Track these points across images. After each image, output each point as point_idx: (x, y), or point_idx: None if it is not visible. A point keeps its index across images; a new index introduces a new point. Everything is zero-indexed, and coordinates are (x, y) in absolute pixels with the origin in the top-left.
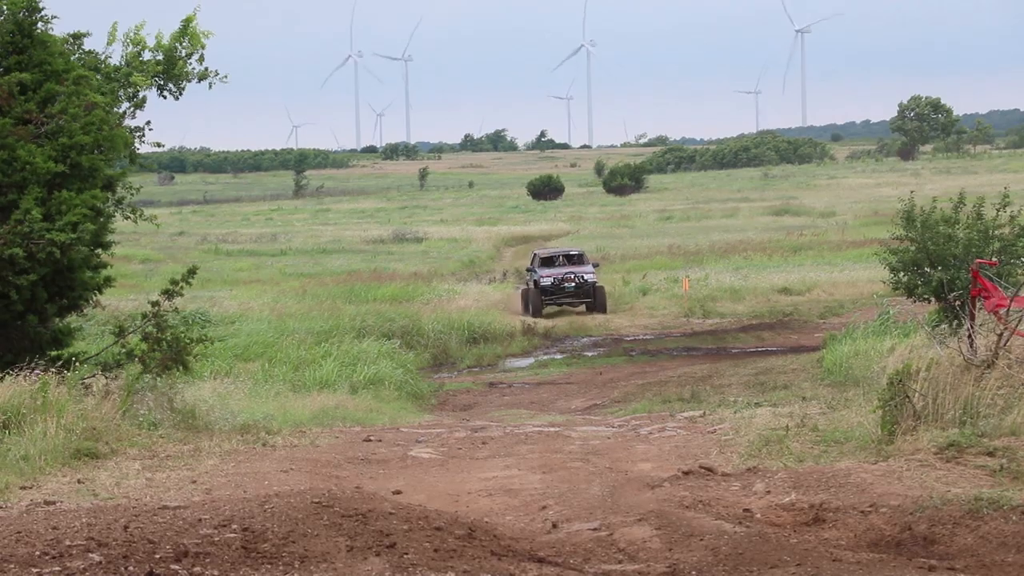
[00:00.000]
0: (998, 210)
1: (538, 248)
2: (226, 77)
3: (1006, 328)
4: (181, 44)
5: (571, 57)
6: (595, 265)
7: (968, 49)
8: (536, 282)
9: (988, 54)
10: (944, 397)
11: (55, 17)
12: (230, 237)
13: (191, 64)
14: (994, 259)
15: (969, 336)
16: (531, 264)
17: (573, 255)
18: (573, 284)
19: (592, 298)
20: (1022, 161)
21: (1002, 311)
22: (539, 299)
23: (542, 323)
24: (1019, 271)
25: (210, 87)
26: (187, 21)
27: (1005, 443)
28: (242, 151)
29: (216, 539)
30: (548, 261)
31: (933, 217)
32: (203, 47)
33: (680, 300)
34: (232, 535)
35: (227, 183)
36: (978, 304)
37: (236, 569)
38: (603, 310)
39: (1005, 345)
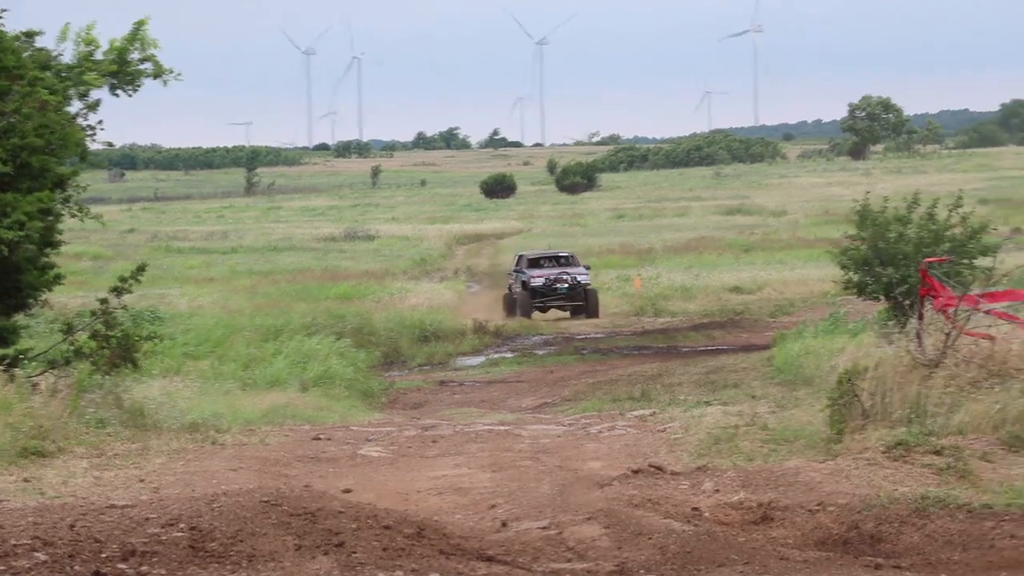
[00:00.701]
0: (950, 211)
1: (527, 251)
2: (180, 75)
3: (954, 327)
4: (132, 47)
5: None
6: (587, 267)
7: (919, 49)
8: (525, 283)
9: (938, 54)
10: (892, 396)
11: (5, 10)
12: (181, 235)
13: (144, 67)
14: (944, 257)
15: (918, 335)
16: (516, 266)
17: (563, 257)
18: (566, 285)
19: (584, 301)
20: (972, 161)
21: (950, 310)
22: (528, 301)
23: (494, 321)
24: (968, 271)
25: (165, 84)
26: (139, 25)
27: (952, 442)
28: (193, 148)
29: (164, 538)
30: (536, 262)
31: (885, 216)
32: (153, 57)
33: (631, 299)
34: (180, 534)
35: (178, 180)
36: (926, 303)
37: (183, 568)
38: (595, 314)
39: (953, 344)
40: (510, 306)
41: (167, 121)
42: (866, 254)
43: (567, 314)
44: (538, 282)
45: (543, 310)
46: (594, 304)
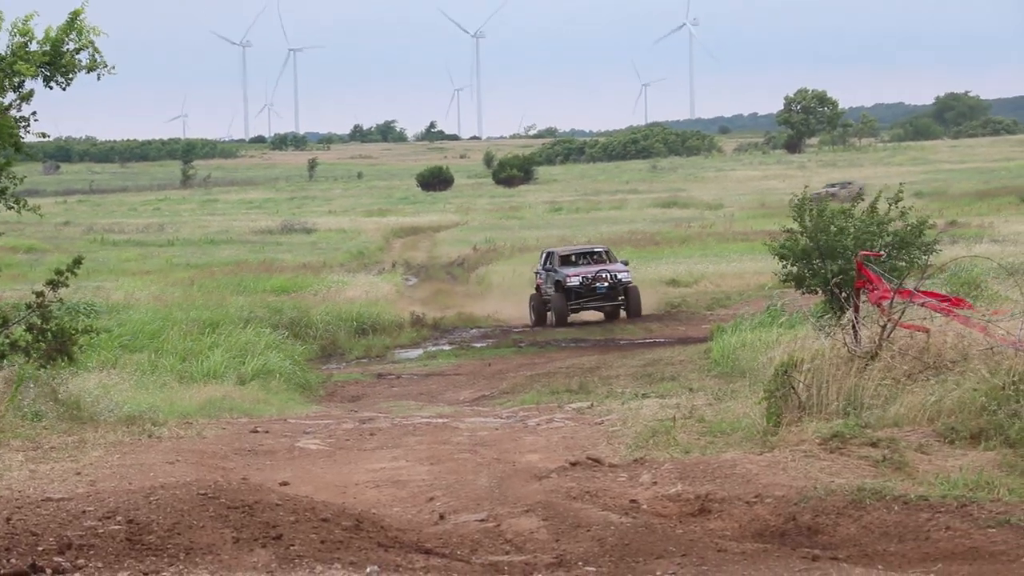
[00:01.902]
0: (891, 204)
1: (556, 247)
2: (114, 68)
3: (889, 320)
4: (68, 37)
5: (460, 42)
6: (626, 263)
7: (854, 43)
8: (559, 283)
9: (873, 48)
10: (829, 388)
11: None
12: (117, 227)
13: (80, 58)
14: (881, 252)
15: (854, 328)
16: (546, 263)
17: (597, 252)
18: (606, 285)
19: (626, 300)
20: (907, 154)
21: (885, 303)
22: (564, 304)
23: (431, 314)
24: (908, 265)
25: (99, 78)
26: (75, 15)
27: (888, 434)
28: (129, 140)
29: (100, 531)
30: (569, 260)
31: (828, 209)
32: (92, 44)
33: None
34: (117, 527)
35: (114, 173)
36: (863, 296)
37: (120, 561)
38: (638, 313)
39: (888, 337)
40: (540, 310)
41: (102, 114)
42: (805, 247)
43: (600, 316)
44: (575, 282)
45: (577, 312)
46: (636, 303)
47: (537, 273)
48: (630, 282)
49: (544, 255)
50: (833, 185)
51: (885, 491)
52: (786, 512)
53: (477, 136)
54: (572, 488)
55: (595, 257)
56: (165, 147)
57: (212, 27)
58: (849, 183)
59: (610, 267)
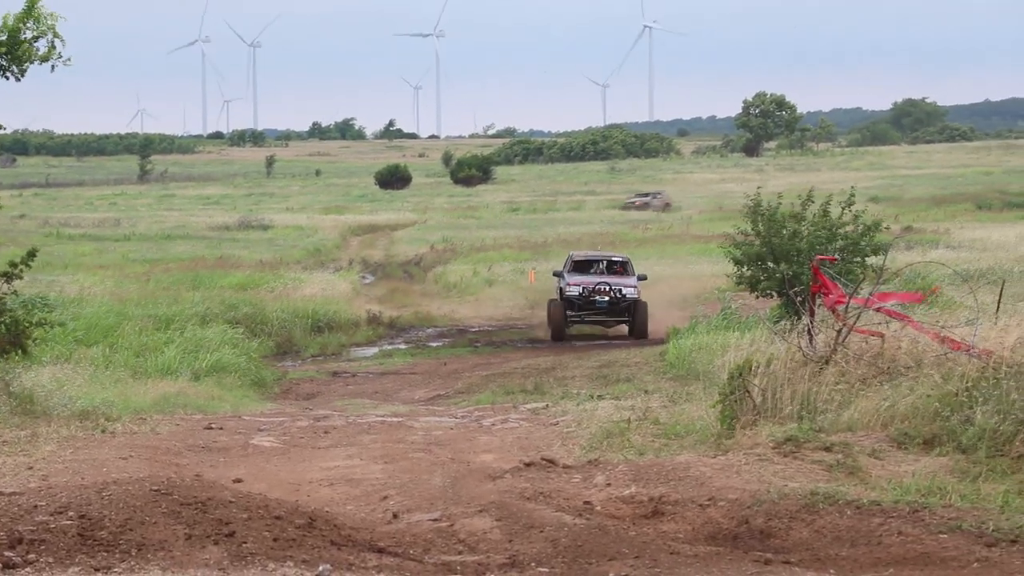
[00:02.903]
0: (843, 208)
1: (579, 250)
2: (69, 60)
3: (844, 324)
4: (26, 24)
5: (420, 41)
6: (642, 277)
7: (812, 48)
8: (561, 291)
9: (832, 53)
10: (783, 392)
11: None
12: (72, 221)
13: (38, 46)
14: (835, 256)
15: (808, 332)
16: (563, 267)
17: (616, 262)
18: (606, 299)
19: (631, 318)
20: (864, 159)
21: (840, 308)
22: (561, 315)
23: (388, 313)
24: (859, 269)
25: (52, 69)
26: (32, 1)
27: (842, 438)
28: (86, 134)
29: (52, 526)
30: (583, 266)
31: (779, 213)
32: (52, 30)
33: (526, 291)
34: (68, 522)
35: (70, 167)
36: (818, 300)
37: (72, 556)
38: (643, 334)
39: (843, 341)
40: (550, 322)
41: (60, 107)
42: (759, 250)
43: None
44: (573, 291)
45: (583, 323)
46: (642, 322)
47: (558, 275)
48: (637, 299)
49: (566, 259)
50: (645, 194)
51: (838, 496)
52: (739, 515)
53: (436, 135)
54: (526, 489)
55: (613, 267)
56: (122, 142)
57: (171, 21)
58: (659, 193)
59: (616, 280)
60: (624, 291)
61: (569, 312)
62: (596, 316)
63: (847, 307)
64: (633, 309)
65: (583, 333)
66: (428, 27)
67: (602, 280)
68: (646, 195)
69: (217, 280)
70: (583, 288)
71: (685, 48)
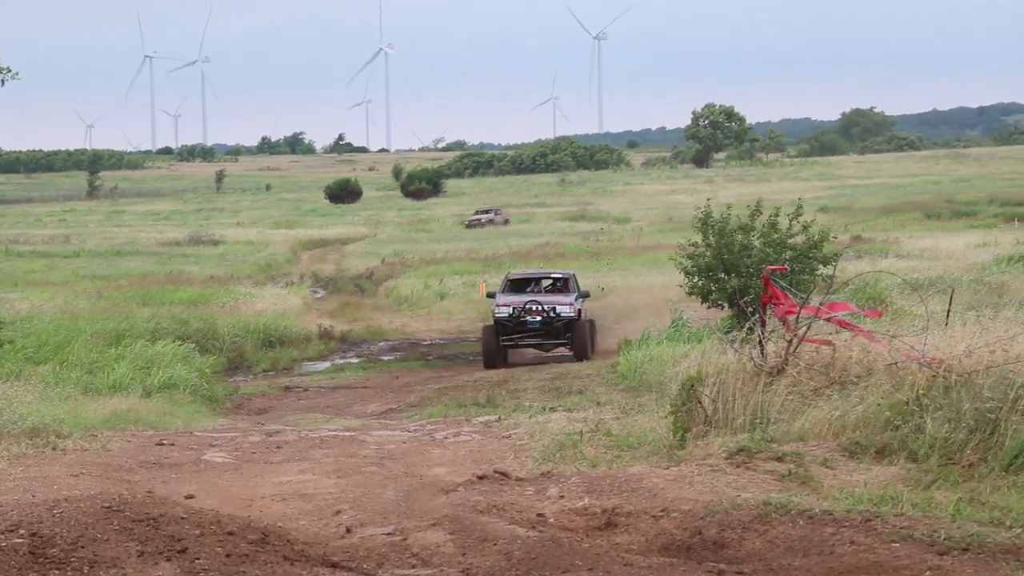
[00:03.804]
0: (791, 220)
1: (515, 269)
2: (17, 74)
3: (795, 335)
4: None
5: (369, 63)
6: (583, 295)
7: (761, 58)
8: (493, 313)
9: (780, 64)
10: (735, 403)
11: None
12: (21, 238)
13: None
14: (785, 266)
15: (760, 343)
16: (499, 288)
17: (557, 279)
18: (538, 319)
19: (568, 340)
20: (813, 169)
21: (791, 318)
22: (493, 340)
23: (340, 327)
24: (810, 279)
25: (2, 83)
26: None
27: (793, 448)
28: (34, 151)
29: (3, 544)
30: (518, 285)
31: (729, 226)
32: None
33: (477, 304)
34: (19, 540)
35: (19, 183)
36: (769, 311)
37: (23, 574)
38: (584, 355)
39: (794, 352)
40: (484, 348)
41: (6, 123)
42: (710, 262)
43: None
44: (503, 313)
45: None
46: (582, 342)
47: (491, 297)
48: (573, 317)
49: (504, 277)
50: (486, 211)
51: (790, 505)
52: (692, 526)
53: (386, 149)
54: (479, 502)
55: (551, 285)
56: (71, 158)
57: (120, 37)
58: (499, 210)
59: (548, 298)
60: (558, 309)
61: (502, 337)
62: (530, 338)
63: (797, 317)
64: (572, 329)
65: (522, 360)
66: (376, 41)
67: (532, 299)
68: (487, 211)
69: (168, 296)
70: (513, 309)
71: (634, 59)
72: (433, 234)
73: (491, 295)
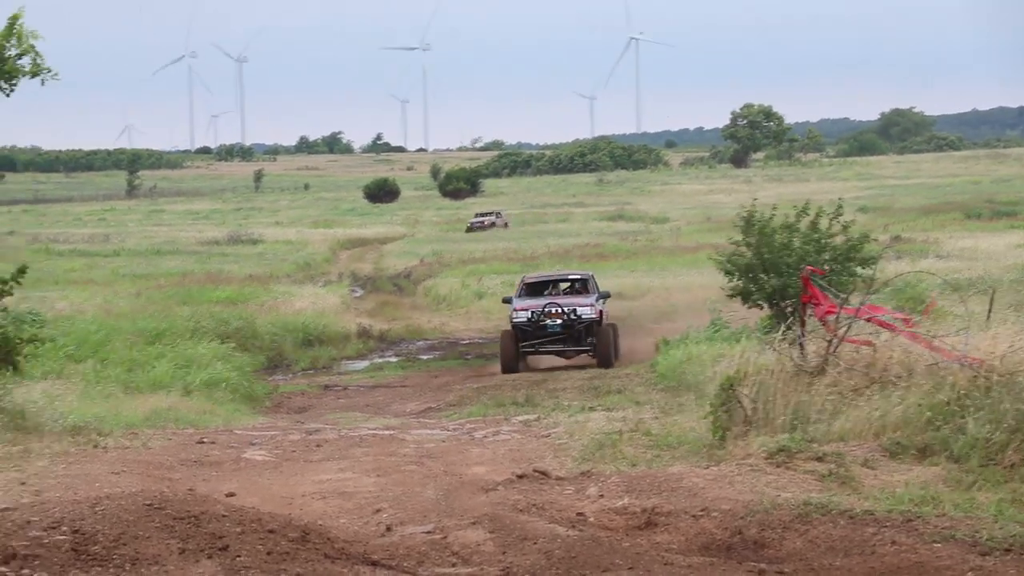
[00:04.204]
0: (831, 220)
1: (531, 272)
2: (57, 74)
3: (834, 335)
4: (9, 42)
5: (407, 55)
6: (604, 296)
7: (800, 58)
8: (510, 318)
9: (819, 64)
10: (775, 403)
11: None
12: (62, 237)
13: (22, 63)
14: (825, 268)
15: (799, 343)
16: (515, 292)
17: (575, 280)
18: (558, 323)
19: (592, 345)
20: (852, 170)
21: (830, 318)
22: (511, 346)
23: (379, 326)
24: (849, 280)
25: (43, 83)
26: (13, 19)
27: (834, 448)
28: (74, 150)
29: (45, 541)
30: (535, 288)
31: (771, 224)
32: (33, 48)
33: None
34: (62, 537)
35: (59, 183)
36: (808, 311)
37: (66, 571)
38: (608, 362)
39: (834, 352)
40: (500, 351)
41: (47, 123)
42: (750, 261)
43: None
44: (521, 317)
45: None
46: (606, 347)
47: (507, 303)
48: (595, 319)
49: (519, 281)
50: (489, 213)
51: (831, 505)
52: (732, 526)
53: (424, 148)
54: (519, 501)
55: (570, 287)
56: (111, 157)
57: (159, 37)
58: (500, 213)
59: (567, 299)
60: (579, 311)
61: (522, 343)
62: (552, 344)
63: (837, 317)
64: (594, 333)
65: (539, 368)
66: (415, 40)
67: (551, 301)
68: (488, 214)
69: (207, 295)
70: (531, 312)
71: (672, 59)
72: (471, 234)
73: (507, 300)
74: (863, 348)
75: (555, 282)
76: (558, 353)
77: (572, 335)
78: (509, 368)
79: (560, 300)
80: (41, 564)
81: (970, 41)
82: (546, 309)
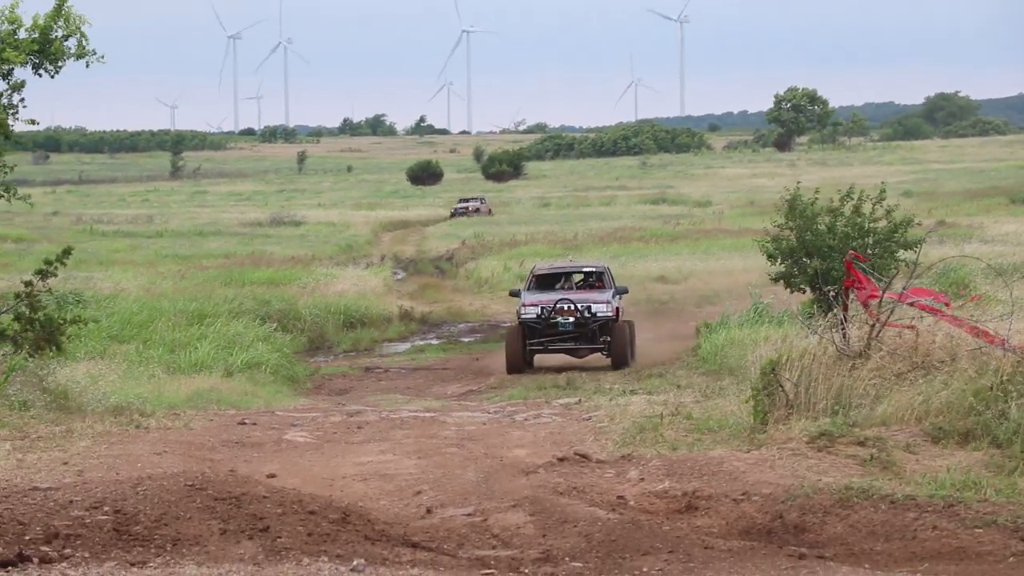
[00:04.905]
0: (874, 204)
1: (541, 262)
2: (103, 57)
3: (877, 320)
4: (56, 24)
5: (455, 49)
6: (620, 292)
7: (844, 42)
8: (518, 314)
9: (864, 47)
10: (816, 387)
11: None
12: (106, 218)
13: (68, 45)
14: (868, 253)
15: (842, 327)
16: (524, 284)
17: (589, 273)
18: (570, 320)
19: (606, 344)
20: (896, 154)
21: (873, 303)
22: (518, 343)
23: (420, 308)
24: (892, 264)
25: (87, 66)
26: (61, 2)
27: (876, 433)
28: (118, 131)
29: (87, 521)
30: (546, 281)
31: (814, 208)
32: (79, 31)
33: None
34: (104, 517)
35: (103, 163)
36: (851, 295)
37: (107, 551)
38: (624, 362)
39: (877, 336)
40: (505, 349)
41: (92, 103)
42: (793, 245)
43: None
44: (529, 313)
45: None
46: (622, 347)
47: (515, 295)
48: (611, 317)
49: (530, 272)
50: (472, 198)
51: (872, 490)
52: (773, 510)
53: (467, 131)
54: (559, 483)
55: (584, 280)
56: (154, 138)
57: (203, 19)
58: (483, 199)
59: (581, 295)
60: (593, 308)
61: (529, 341)
62: (563, 343)
63: (880, 302)
64: (609, 331)
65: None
66: (462, 23)
67: (563, 297)
68: (472, 199)
69: (249, 276)
70: (542, 308)
71: (716, 43)
72: (513, 216)
73: (514, 293)
74: (906, 332)
75: (568, 274)
76: (569, 352)
77: (585, 334)
78: (515, 368)
79: (573, 296)
80: (83, 544)
81: (1017, 25)
82: (558, 305)
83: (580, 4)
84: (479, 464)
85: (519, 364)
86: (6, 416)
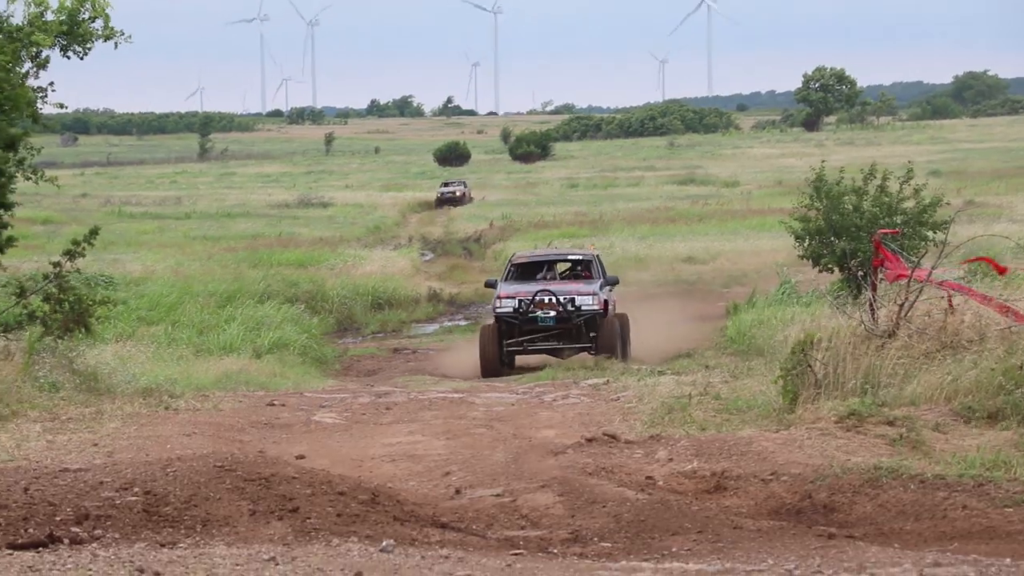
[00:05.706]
0: (902, 183)
1: (522, 251)
2: (130, 37)
3: (906, 299)
4: (83, 6)
5: (478, 18)
6: (610, 282)
7: (872, 21)
8: (493, 308)
9: (892, 26)
10: (845, 367)
11: None
12: (134, 199)
13: (95, 27)
14: (897, 229)
15: (871, 306)
16: (502, 275)
17: (575, 262)
18: (552, 315)
19: (591, 340)
20: (924, 133)
21: (902, 282)
22: (492, 341)
23: (448, 289)
24: (921, 243)
25: (116, 47)
26: None
27: (905, 412)
28: (146, 113)
29: (118, 502)
30: (527, 270)
31: (840, 188)
32: (105, 14)
33: None
34: (134, 498)
35: (131, 145)
36: (880, 274)
37: (137, 532)
38: (613, 352)
39: (906, 315)
40: (479, 348)
41: (121, 86)
42: (820, 225)
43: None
44: (506, 307)
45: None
46: (610, 345)
47: (490, 287)
48: (598, 311)
49: (507, 261)
50: (455, 182)
51: (902, 470)
52: (802, 490)
53: (494, 112)
54: (588, 464)
55: (568, 270)
56: (183, 120)
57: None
58: (464, 183)
59: (564, 286)
60: (578, 301)
61: (506, 340)
62: (544, 341)
63: (909, 281)
64: (596, 327)
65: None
66: (487, 2)
67: (543, 289)
68: (454, 182)
69: (277, 258)
70: (519, 302)
71: (745, 22)
72: (541, 197)
73: (490, 284)
74: (935, 312)
75: (551, 263)
76: (551, 352)
77: (569, 331)
78: (491, 370)
79: (555, 286)
80: (113, 525)
81: None
82: (537, 298)
83: None
84: (508, 445)
85: (495, 366)
86: (36, 398)
